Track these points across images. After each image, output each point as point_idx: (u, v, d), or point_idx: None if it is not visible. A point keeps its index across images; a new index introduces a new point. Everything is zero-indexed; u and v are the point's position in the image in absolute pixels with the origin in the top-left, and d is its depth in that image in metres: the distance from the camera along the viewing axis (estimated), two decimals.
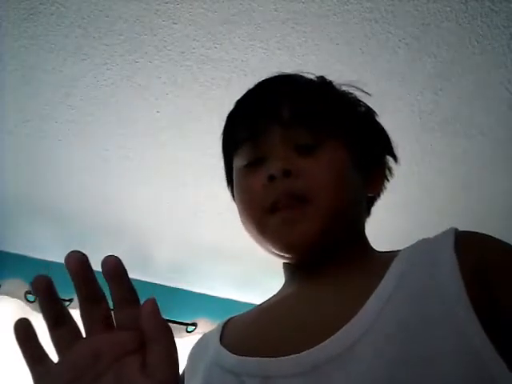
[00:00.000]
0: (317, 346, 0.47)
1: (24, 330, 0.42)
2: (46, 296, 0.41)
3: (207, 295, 2.68)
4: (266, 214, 0.57)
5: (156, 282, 2.56)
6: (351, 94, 0.67)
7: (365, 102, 0.68)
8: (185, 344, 2.25)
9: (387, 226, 1.97)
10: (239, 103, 0.66)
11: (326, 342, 0.46)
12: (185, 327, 2.46)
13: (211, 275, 2.54)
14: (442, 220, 1.96)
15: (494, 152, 1.73)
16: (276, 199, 0.56)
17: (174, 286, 2.61)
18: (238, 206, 0.64)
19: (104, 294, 0.42)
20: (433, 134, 1.67)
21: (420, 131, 1.67)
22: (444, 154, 1.75)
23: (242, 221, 0.63)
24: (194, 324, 2.47)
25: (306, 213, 0.55)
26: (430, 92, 1.53)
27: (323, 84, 0.66)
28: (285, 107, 0.60)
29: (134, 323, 0.41)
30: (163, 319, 0.41)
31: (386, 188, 0.67)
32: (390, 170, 0.67)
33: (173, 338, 0.41)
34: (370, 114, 0.67)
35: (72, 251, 0.40)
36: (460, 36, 1.36)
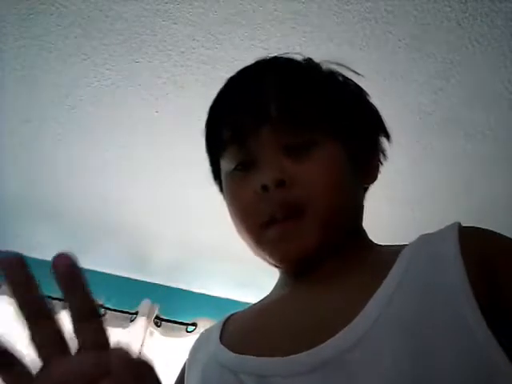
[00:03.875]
0: (316, 347, 0.46)
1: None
2: (18, 279, 0.33)
3: (207, 295, 2.68)
4: (262, 228, 0.55)
5: (156, 282, 2.55)
6: (340, 74, 0.64)
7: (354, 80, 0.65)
8: (185, 344, 2.25)
9: (387, 224, 1.97)
10: (222, 95, 0.63)
11: (327, 342, 0.46)
12: (185, 327, 2.46)
13: (211, 275, 2.54)
14: (442, 220, 1.96)
15: (494, 152, 1.72)
16: (271, 212, 0.54)
17: (173, 286, 2.61)
18: (230, 212, 0.62)
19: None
20: (433, 133, 1.67)
21: (420, 131, 1.67)
22: (444, 153, 1.75)
23: (237, 228, 0.61)
24: (194, 324, 2.47)
25: (304, 225, 0.53)
26: (430, 92, 1.53)
27: (310, 69, 0.63)
28: (271, 104, 0.56)
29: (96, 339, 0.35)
30: (130, 358, 0.34)
31: (380, 172, 0.64)
32: (383, 152, 0.64)
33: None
34: (360, 95, 0.65)
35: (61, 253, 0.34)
36: (460, 36, 1.36)
